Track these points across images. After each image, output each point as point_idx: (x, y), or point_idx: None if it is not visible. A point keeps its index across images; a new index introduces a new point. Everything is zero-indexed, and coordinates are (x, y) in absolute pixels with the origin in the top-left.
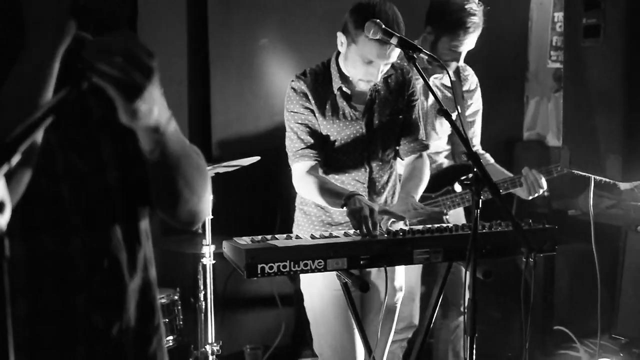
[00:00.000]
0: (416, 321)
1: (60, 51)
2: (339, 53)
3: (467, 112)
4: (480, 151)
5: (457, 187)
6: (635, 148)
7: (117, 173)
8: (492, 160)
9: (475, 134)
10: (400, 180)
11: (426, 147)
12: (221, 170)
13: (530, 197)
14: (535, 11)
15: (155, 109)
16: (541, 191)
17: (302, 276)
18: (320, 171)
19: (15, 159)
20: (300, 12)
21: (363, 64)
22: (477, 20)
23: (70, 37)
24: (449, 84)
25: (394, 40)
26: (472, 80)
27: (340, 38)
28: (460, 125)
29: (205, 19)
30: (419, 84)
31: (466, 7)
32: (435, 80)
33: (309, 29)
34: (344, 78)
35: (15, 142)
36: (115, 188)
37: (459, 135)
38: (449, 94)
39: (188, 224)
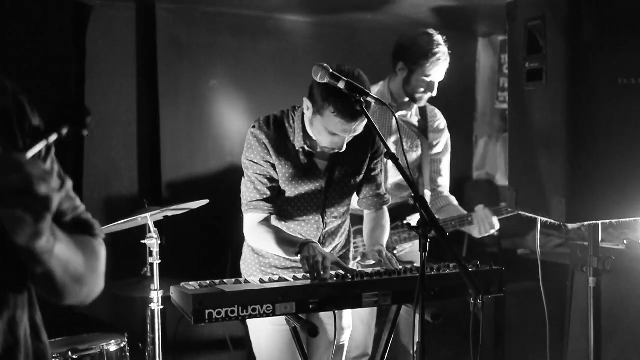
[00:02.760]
0: (369, 350)
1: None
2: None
3: (433, 151)
4: (445, 193)
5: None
6: (578, 190)
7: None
8: (455, 203)
9: (441, 174)
10: (361, 232)
11: (387, 201)
12: (170, 213)
13: (481, 236)
14: (483, 53)
15: (44, 236)
16: (492, 230)
17: None
18: (274, 221)
19: None
20: (249, 53)
21: (328, 135)
22: (444, 50)
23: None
24: (414, 122)
25: (341, 84)
26: (440, 120)
27: (307, 103)
28: (407, 168)
29: (155, 60)
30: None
31: (433, 38)
32: (401, 117)
33: (258, 70)
34: (308, 137)
35: None
36: None
37: (405, 178)
38: (413, 131)
39: (76, 306)
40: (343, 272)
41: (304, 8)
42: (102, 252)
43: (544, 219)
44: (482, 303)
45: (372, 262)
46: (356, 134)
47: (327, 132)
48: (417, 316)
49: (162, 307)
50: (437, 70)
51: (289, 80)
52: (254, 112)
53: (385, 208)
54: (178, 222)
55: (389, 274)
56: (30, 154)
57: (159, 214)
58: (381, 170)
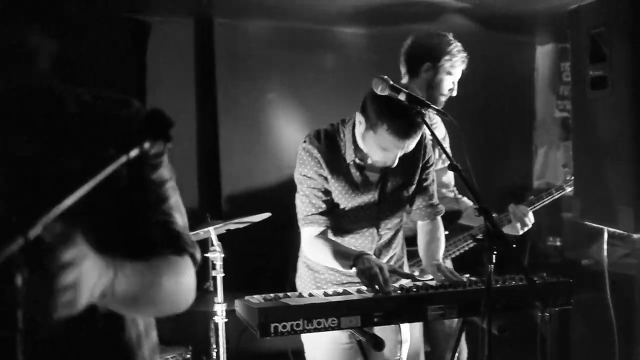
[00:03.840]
0: None
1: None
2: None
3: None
4: (457, 195)
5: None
6: None
7: None
8: (471, 204)
9: (450, 180)
10: (417, 244)
11: (440, 211)
12: (232, 226)
13: (522, 232)
14: (541, 61)
15: (85, 293)
16: (530, 224)
17: None
18: (329, 235)
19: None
20: (306, 66)
21: (380, 150)
22: (462, 49)
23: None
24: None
25: (401, 96)
26: (440, 128)
27: (359, 118)
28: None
29: (213, 75)
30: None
31: (451, 38)
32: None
33: (315, 83)
34: (358, 149)
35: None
36: None
37: (470, 189)
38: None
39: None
40: (407, 285)
41: (360, 20)
42: (187, 270)
43: (611, 230)
44: (550, 315)
45: (429, 277)
46: (409, 150)
47: (379, 148)
48: (485, 329)
49: (226, 320)
50: (460, 69)
51: (346, 92)
52: (311, 125)
53: (439, 219)
54: (237, 235)
55: (454, 286)
56: (110, 169)
57: (222, 228)
58: (433, 180)
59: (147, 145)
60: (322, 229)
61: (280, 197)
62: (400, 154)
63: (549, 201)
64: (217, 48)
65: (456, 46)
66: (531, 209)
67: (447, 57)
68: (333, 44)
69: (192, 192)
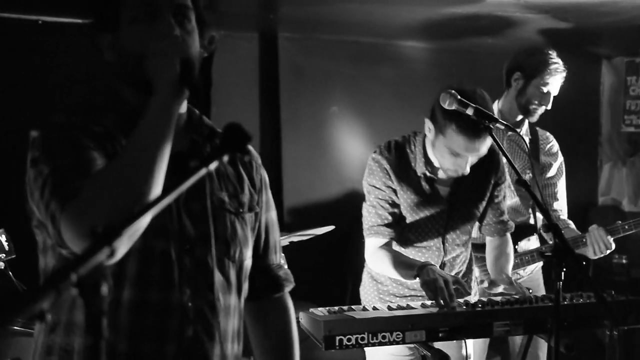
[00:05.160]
0: None
1: (176, 105)
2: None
3: (546, 175)
4: (563, 216)
5: (521, 246)
6: None
7: (221, 248)
8: (572, 226)
9: (557, 198)
10: (486, 259)
11: (510, 228)
12: (296, 239)
13: (596, 257)
14: (607, 75)
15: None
16: (607, 251)
17: None
18: (395, 246)
19: (119, 244)
20: (369, 80)
21: (450, 156)
22: (561, 63)
23: (184, 96)
24: (526, 143)
25: (469, 111)
26: (553, 143)
27: (428, 124)
28: (538, 193)
29: (277, 88)
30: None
31: (550, 51)
32: (511, 137)
33: (378, 96)
34: (429, 162)
35: (121, 227)
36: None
37: (538, 205)
38: (525, 152)
39: None
40: (473, 301)
41: (423, 34)
42: (288, 310)
43: None
44: (618, 334)
45: (501, 289)
46: (480, 154)
47: (449, 152)
48: (552, 347)
49: None
50: (554, 80)
51: (409, 106)
52: (374, 138)
53: (509, 235)
54: (299, 247)
55: (520, 302)
56: (191, 181)
57: (285, 240)
58: (504, 196)
59: (225, 158)
60: (386, 240)
61: (342, 209)
62: (471, 159)
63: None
64: (281, 62)
65: (554, 59)
66: (615, 236)
67: (540, 66)
68: (395, 57)
69: None
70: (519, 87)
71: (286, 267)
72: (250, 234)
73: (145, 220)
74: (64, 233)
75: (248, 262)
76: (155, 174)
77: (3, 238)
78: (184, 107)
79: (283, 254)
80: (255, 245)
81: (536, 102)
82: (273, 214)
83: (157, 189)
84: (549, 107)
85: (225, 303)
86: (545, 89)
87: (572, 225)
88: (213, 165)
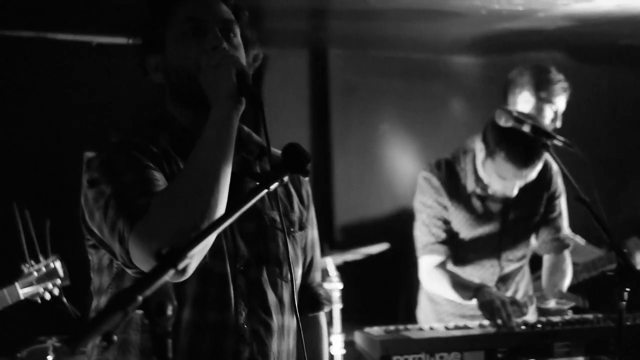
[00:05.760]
0: None
1: (236, 116)
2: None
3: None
4: (570, 233)
5: None
6: None
7: (273, 268)
8: (583, 242)
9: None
10: (541, 276)
11: (567, 245)
12: (350, 257)
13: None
14: None
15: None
16: None
17: None
18: (449, 265)
19: (183, 264)
20: (420, 95)
21: (499, 179)
22: (563, 78)
23: (242, 108)
24: None
25: (526, 128)
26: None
27: (479, 145)
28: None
29: (327, 105)
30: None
31: (550, 67)
32: None
33: (429, 113)
34: (479, 179)
35: (185, 248)
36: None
37: (600, 224)
38: None
39: None
40: (532, 321)
41: (475, 49)
42: (323, 329)
43: None
44: None
45: (552, 303)
46: (528, 180)
47: (498, 176)
48: None
49: (344, 351)
50: (560, 100)
51: (460, 122)
52: (425, 155)
53: (567, 252)
54: (352, 265)
55: (581, 323)
56: (252, 201)
57: (339, 258)
58: (560, 213)
59: (286, 178)
60: (441, 258)
61: (395, 227)
62: (520, 184)
63: None
64: (331, 78)
65: (557, 75)
66: None
67: (549, 85)
68: (446, 73)
69: None
70: (530, 108)
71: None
72: (300, 253)
73: (211, 239)
74: (133, 253)
75: (299, 282)
76: (221, 189)
77: (58, 264)
78: None
79: (338, 272)
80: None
81: (550, 120)
82: (316, 232)
83: (223, 203)
84: (559, 124)
85: (280, 323)
86: (554, 107)
87: (582, 240)
88: (274, 186)
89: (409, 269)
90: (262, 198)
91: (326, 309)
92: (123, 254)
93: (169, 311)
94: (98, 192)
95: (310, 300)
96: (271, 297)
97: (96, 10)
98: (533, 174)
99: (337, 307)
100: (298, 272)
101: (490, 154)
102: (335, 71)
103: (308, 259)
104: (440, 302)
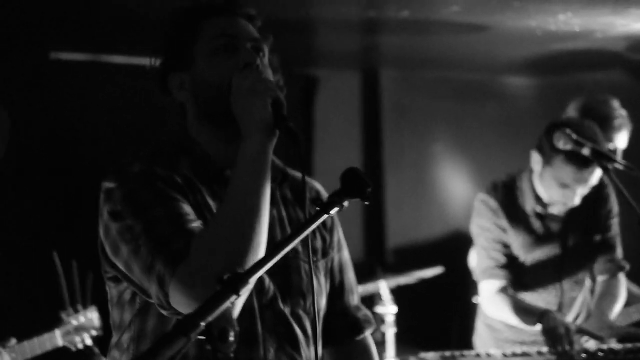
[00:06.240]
0: None
1: (271, 148)
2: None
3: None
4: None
5: None
6: None
7: (297, 301)
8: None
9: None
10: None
11: (622, 268)
12: (404, 281)
13: None
14: None
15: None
16: None
17: None
18: (511, 291)
19: (245, 290)
20: (473, 117)
21: (559, 188)
22: (625, 115)
23: (275, 139)
24: None
25: (585, 151)
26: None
27: (535, 157)
28: None
29: (379, 126)
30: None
31: (612, 103)
32: None
33: (482, 134)
34: (538, 198)
35: (247, 274)
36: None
37: None
38: None
39: None
40: (592, 349)
41: (529, 69)
42: (371, 354)
43: None
44: None
45: (592, 344)
46: (589, 185)
47: (558, 184)
48: None
49: None
50: (622, 135)
51: (515, 144)
52: (479, 177)
53: (621, 276)
54: (404, 288)
55: None
56: (313, 227)
57: (393, 282)
58: (617, 233)
59: (346, 204)
60: (502, 283)
61: (448, 250)
62: (581, 191)
63: None
64: (383, 100)
65: (618, 111)
66: None
67: (605, 123)
68: (500, 94)
69: (358, 244)
70: None
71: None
72: (325, 281)
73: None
74: (175, 297)
75: (323, 312)
76: (263, 225)
77: (95, 316)
78: None
79: (392, 296)
80: (330, 288)
81: None
82: (346, 253)
83: (265, 239)
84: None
85: (307, 357)
86: (617, 145)
87: None
88: (334, 211)
89: (464, 293)
90: (284, 228)
91: (369, 331)
92: (162, 297)
93: (231, 337)
94: (124, 227)
95: (350, 326)
96: (298, 331)
97: (150, 33)
98: (594, 178)
99: (391, 331)
100: (322, 303)
101: (547, 160)
102: (387, 92)
103: (337, 283)
104: (499, 328)
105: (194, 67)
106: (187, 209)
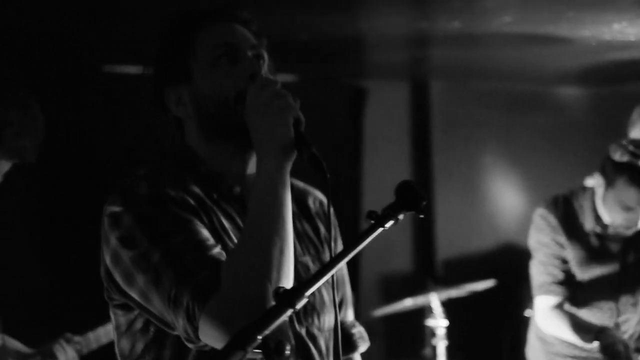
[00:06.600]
0: None
1: (289, 166)
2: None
3: None
4: None
5: None
6: None
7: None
8: None
9: None
10: None
11: None
12: (455, 294)
13: None
14: None
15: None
16: None
17: None
18: (567, 307)
19: (301, 304)
20: (525, 128)
21: (622, 210)
22: None
23: (294, 157)
24: None
25: None
26: None
27: (598, 179)
28: None
29: (429, 138)
30: None
31: None
32: None
33: (533, 146)
34: (598, 218)
35: (302, 288)
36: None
37: None
38: None
39: None
40: None
41: (582, 79)
42: None
43: None
44: None
45: None
46: None
47: (621, 207)
48: None
49: None
50: None
51: (567, 156)
52: (530, 190)
53: None
54: (453, 302)
55: None
56: (367, 241)
57: (444, 294)
58: None
59: (401, 217)
60: (559, 299)
61: (498, 262)
62: None
63: None
64: (432, 111)
65: None
66: None
67: None
68: (552, 105)
69: (407, 256)
70: None
71: None
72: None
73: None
74: (206, 331)
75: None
76: (291, 248)
77: None
78: None
79: (443, 309)
80: None
81: None
82: (344, 267)
83: (292, 259)
84: None
85: None
86: None
87: None
88: (389, 224)
89: (515, 306)
90: (294, 243)
91: (361, 350)
92: (190, 331)
93: (287, 350)
94: (139, 255)
95: (343, 342)
96: (313, 350)
97: None
98: None
99: (442, 344)
100: (331, 319)
101: (610, 182)
102: (436, 103)
103: (338, 298)
104: (552, 342)
105: (193, 81)
106: (205, 232)
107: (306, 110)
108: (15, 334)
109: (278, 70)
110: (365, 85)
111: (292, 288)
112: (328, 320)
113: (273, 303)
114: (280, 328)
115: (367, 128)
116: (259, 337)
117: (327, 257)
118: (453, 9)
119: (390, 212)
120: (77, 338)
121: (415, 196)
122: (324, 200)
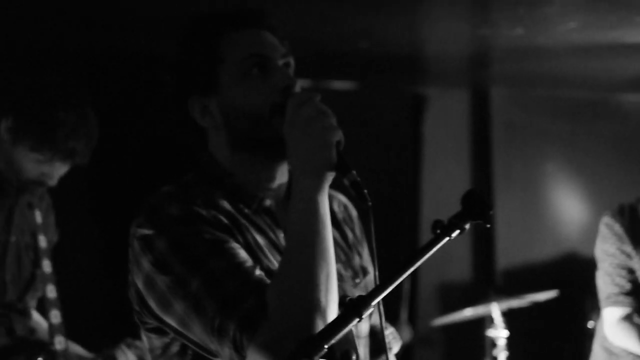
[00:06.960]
0: None
1: (328, 184)
2: None
3: None
4: None
5: None
6: None
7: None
8: None
9: None
10: None
11: None
12: (516, 304)
13: None
14: None
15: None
16: None
17: None
18: (636, 318)
19: (368, 313)
20: (587, 136)
21: None
22: None
23: (331, 178)
24: None
25: None
26: None
27: None
28: None
29: (489, 145)
30: None
31: None
32: None
33: (596, 154)
34: None
35: (370, 297)
36: None
37: None
38: None
39: None
40: None
41: None
42: None
43: None
44: None
45: None
46: None
47: None
48: None
49: None
50: None
51: (631, 164)
52: (593, 198)
53: None
54: (514, 312)
55: None
56: (433, 250)
57: (505, 304)
58: None
59: (467, 226)
60: (626, 310)
61: (560, 272)
62: None
63: None
64: (493, 118)
65: None
66: None
67: None
68: (616, 112)
69: (466, 265)
70: None
71: None
72: None
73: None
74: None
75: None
76: (334, 268)
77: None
78: (285, 175)
79: (503, 318)
80: None
81: None
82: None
83: (336, 282)
84: None
85: None
86: None
87: None
88: (455, 234)
89: (578, 317)
90: None
91: (395, 350)
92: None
93: (354, 359)
94: (176, 281)
95: (378, 344)
96: (354, 357)
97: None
98: None
99: (503, 355)
100: (367, 325)
101: None
102: (497, 111)
103: None
104: (619, 353)
105: (221, 92)
106: (243, 253)
107: (366, 117)
108: (78, 338)
109: (339, 78)
110: (426, 92)
111: (359, 297)
112: (365, 326)
113: (340, 312)
114: (346, 337)
115: (426, 136)
116: (325, 347)
117: (356, 262)
118: (516, 16)
119: (456, 222)
120: (138, 343)
121: (481, 206)
122: (348, 204)
